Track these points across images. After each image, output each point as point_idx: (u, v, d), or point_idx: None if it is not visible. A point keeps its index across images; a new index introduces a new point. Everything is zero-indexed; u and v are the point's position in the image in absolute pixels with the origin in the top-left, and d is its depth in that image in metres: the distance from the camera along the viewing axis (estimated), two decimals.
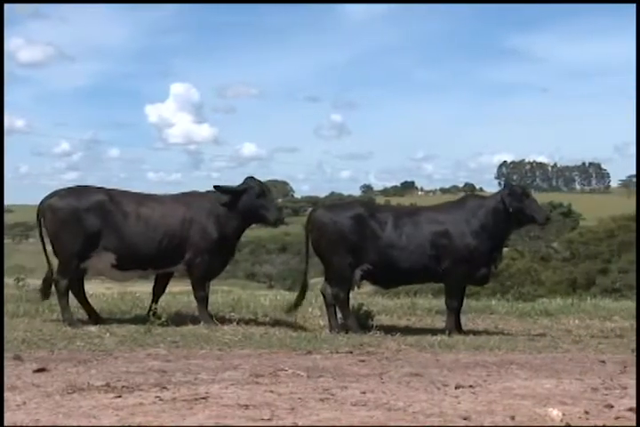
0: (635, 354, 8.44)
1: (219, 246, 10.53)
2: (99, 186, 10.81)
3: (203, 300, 10.66)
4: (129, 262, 10.52)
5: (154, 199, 10.87)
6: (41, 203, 10.65)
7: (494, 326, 11.41)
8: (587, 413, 5.18)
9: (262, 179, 10.83)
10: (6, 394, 5.76)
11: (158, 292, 10.94)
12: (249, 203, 10.42)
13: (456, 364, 7.83)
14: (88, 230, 10.29)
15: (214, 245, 10.50)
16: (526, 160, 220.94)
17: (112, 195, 10.55)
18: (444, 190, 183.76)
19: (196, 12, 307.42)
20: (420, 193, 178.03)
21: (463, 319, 11.83)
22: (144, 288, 13.55)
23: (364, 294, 19.60)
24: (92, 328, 9.98)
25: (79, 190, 10.65)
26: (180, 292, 14.09)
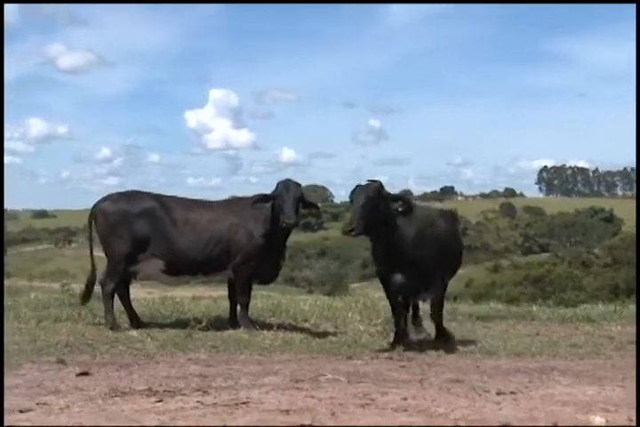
0: None
1: (265, 251, 10.55)
2: (149, 191, 10.91)
3: (245, 305, 10.69)
4: (178, 268, 10.60)
5: (202, 205, 10.94)
6: (93, 207, 10.76)
7: (535, 332, 11.30)
8: (630, 419, 5.13)
9: (301, 183, 10.74)
10: (50, 397, 5.81)
11: (234, 298, 10.99)
12: (275, 206, 10.40)
13: (497, 370, 7.78)
14: (137, 235, 10.39)
15: (260, 249, 10.52)
16: (567, 165, 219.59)
17: (162, 201, 10.64)
18: (483, 195, 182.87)
19: (233, 18, 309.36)
20: (459, 198, 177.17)
21: (504, 325, 11.76)
22: (184, 293, 13.62)
23: None
24: (134, 333, 10.03)
25: (131, 195, 10.76)
26: (220, 296, 14.11)
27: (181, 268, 10.63)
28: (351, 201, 8.99)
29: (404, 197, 9.50)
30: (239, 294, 10.71)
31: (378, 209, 8.88)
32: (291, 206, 10.24)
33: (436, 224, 9.77)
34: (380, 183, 9.13)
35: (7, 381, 6.79)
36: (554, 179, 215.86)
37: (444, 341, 9.75)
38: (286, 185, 10.42)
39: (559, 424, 4.95)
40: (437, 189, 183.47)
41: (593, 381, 6.94)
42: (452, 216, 10.71)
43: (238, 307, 10.76)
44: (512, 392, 6.17)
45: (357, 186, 9.05)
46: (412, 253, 9.15)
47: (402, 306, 9.72)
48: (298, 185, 10.59)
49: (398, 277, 9.23)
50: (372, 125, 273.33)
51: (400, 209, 9.06)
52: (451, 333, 10.05)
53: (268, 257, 10.67)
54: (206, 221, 10.59)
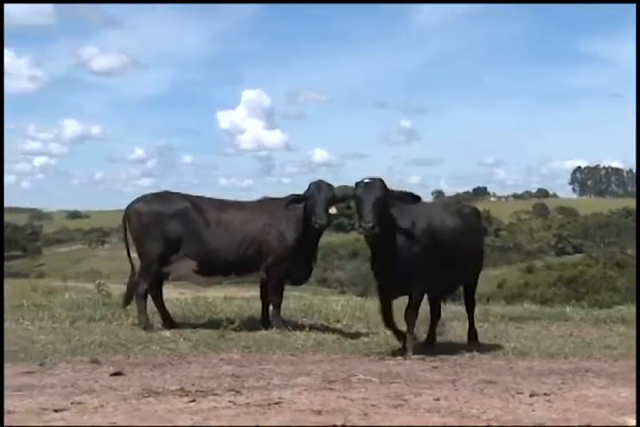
0: None
1: (297, 252, 10.56)
2: (183, 193, 10.96)
3: (277, 305, 10.71)
4: (210, 268, 10.64)
5: (234, 206, 10.97)
6: (127, 207, 10.84)
7: (569, 333, 11.24)
8: None
9: (333, 184, 10.72)
10: (84, 397, 5.85)
11: (267, 299, 11.01)
12: (307, 207, 10.40)
13: (530, 371, 7.74)
14: (170, 236, 10.45)
15: (292, 250, 10.54)
16: (601, 165, 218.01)
17: (195, 202, 10.69)
18: (516, 196, 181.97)
19: (266, 20, 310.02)
20: (492, 199, 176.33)
21: (537, 326, 11.70)
22: (217, 293, 13.65)
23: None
24: (167, 333, 10.07)
25: (164, 197, 10.83)
26: (252, 297, 14.14)
27: (214, 268, 10.67)
28: (359, 198, 8.78)
29: (407, 195, 9.14)
30: (271, 295, 10.73)
31: (387, 206, 8.78)
32: (322, 207, 10.22)
33: (439, 222, 9.44)
34: (382, 180, 9.00)
35: (42, 380, 6.86)
36: (587, 179, 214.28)
37: (402, 346, 9.19)
38: (318, 186, 10.42)
39: (593, 426, 4.92)
40: (470, 189, 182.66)
41: (627, 382, 6.87)
42: (467, 214, 10.32)
43: (270, 307, 10.78)
44: (545, 394, 6.13)
45: (362, 183, 8.89)
46: (406, 251, 8.91)
47: (390, 306, 9.34)
48: (330, 186, 10.55)
49: (392, 276, 9.04)
50: (404, 126, 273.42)
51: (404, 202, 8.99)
52: (414, 339, 9.31)
53: (300, 258, 10.67)
54: (239, 222, 10.62)
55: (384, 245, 8.91)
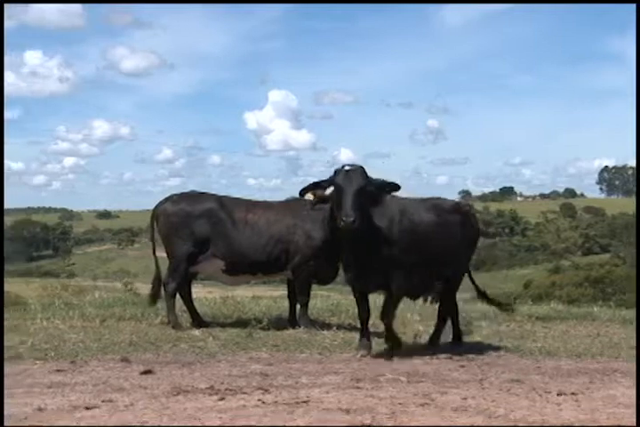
0: None
1: (323, 251, 10.55)
2: (210, 192, 11.00)
3: (305, 304, 10.72)
4: (238, 268, 10.66)
5: (261, 206, 10.98)
6: (155, 207, 10.90)
7: (596, 333, 11.17)
8: None
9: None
10: (115, 395, 5.89)
11: (294, 298, 11.03)
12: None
13: (557, 371, 7.71)
14: (197, 236, 10.49)
15: (318, 250, 10.54)
16: (628, 165, 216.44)
17: (222, 201, 10.72)
18: (543, 196, 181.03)
19: (292, 20, 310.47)
20: (519, 199, 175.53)
21: (564, 326, 11.65)
22: (245, 293, 13.69)
23: (463, 300, 19.45)
24: (196, 332, 10.11)
25: (192, 196, 10.88)
26: (280, 296, 14.16)
27: (241, 268, 10.69)
28: (339, 187, 8.16)
29: (387, 184, 8.50)
30: (299, 294, 10.75)
31: (368, 197, 8.19)
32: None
33: (417, 216, 8.90)
34: (363, 168, 8.40)
35: (73, 378, 6.91)
36: (615, 179, 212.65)
37: (388, 346, 8.91)
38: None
39: (621, 426, 4.89)
40: (497, 189, 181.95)
41: None
42: (446, 209, 9.52)
43: (298, 306, 10.80)
44: (573, 393, 6.11)
45: (343, 170, 8.28)
46: (383, 245, 8.42)
47: (366, 304, 8.91)
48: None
49: (364, 272, 8.59)
50: (431, 126, 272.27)
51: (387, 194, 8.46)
52: (398, 338, 9.07)
53: (327, 257, 10.67)
54: (265, 222, 10.63)
55: (361, 238, 8.29)
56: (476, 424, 4.90)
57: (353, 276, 8.73)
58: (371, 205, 8.33)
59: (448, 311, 9.82)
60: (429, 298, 10.05)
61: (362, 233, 8.17)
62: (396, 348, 8.83)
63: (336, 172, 8.31)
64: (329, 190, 8.61)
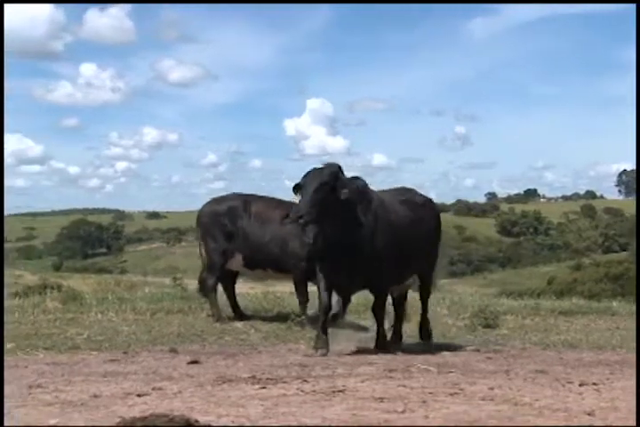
0: None
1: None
2: (249, 193, 11.03)
3: (303, 303, 10.61)
4: (252, 262, 10.66)
5: (284, 204, 10.92)
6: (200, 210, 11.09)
7: (616, 327, 11.08)
8: None
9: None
10: (164, 383, 5.91)
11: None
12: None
13: (579, 362, 7.65)
14: (224, 233, 10.56)
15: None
16: None
17: (246, 200, 10.73)
18: (565, 198, 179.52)
19: (329, 33, 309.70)
20: (542, 200, 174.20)
21: (585, 319, 11.56)
22: (284, 288, 13.68)
23: (490, 295, 19.37)
24: (239, 324, 10.14)
25: (221, 197, 11.03)
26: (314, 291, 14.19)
27: (255, 263, 10.65)
28: (302, 185, 7.66)
29: (353, 183, 7.88)
30: (297, 294, 10.64)
31: (332, 196, 7.54)
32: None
33: (393, 212, 8.28)
34: (339, 166, 7.85)
35: (126, 367, 6.95)
36: (633, 182, 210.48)
37: (385, 344, 8.47)
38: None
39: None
40: (521, 191, 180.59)
41: None
42: (420, 204, 8.94)
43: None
44: (594, 383, 6.05)
45: (312, 169, 7.76)
46: (355, 243, 7.79)
47: (329, 303, 8.18)
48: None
49: (337, 270, 7.99)
50: (458, 132, 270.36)
51: (343, 196, 7.63)
52: (384, 337, 8.58)
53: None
54: (278, 219, 10.53)
55: (330, 236, 7.76)
56: (502, 412, 4.86)
57: (333, 276, 8.07)
58: (345, 202, 7.64)
59: (425, 304, 9.38)
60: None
61: (334, 231, 7.72)
62: (381, 346, 8.43)
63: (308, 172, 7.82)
64: None
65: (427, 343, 9.08)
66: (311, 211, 7.41)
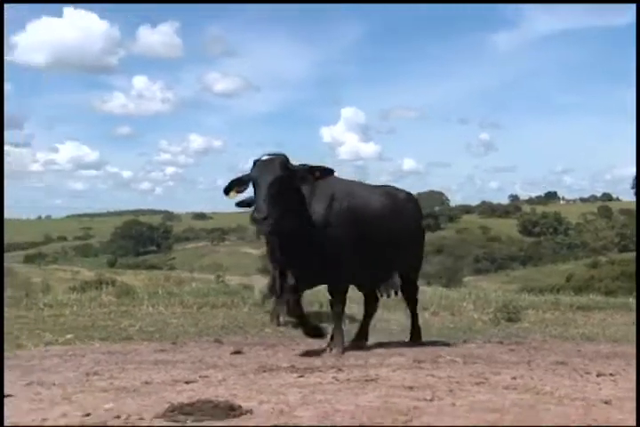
0: None
1: None
2: None
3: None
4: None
5: None
6: None
7: (632, 321, 10.95)
8: None
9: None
10: (209, 371, 5.94)
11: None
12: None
13: (597, 354, 7.57)
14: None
15: None
16: None
17: None
18: (583, 200, 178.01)
19: (363, 47, 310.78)
20: (561, 202, 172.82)
21: (603, 314, 11.45)
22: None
23: (512, 291, 19.24)
24: (281, 319, 10.13)
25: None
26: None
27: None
28: (254, 181, 6.53)
29: (318, 168, 6.74)
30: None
31: (287, 188, 6.52)
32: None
33: (360, 203, 7.22)
34: (286, 156, 6.69)
35: (174, 356, 6.99)
36: None
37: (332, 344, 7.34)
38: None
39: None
40: (542, 193, 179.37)
41: None
42: (401, 198, 7.92)
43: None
44: (611, 374, 5.99)
45: (260, 161, 6.59)
46: (313, 237, 6.79)
47: (296, 301, 7.15)
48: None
49: (295, 267, 6.98)
50: (482, 139, 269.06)
51: (304, 185, 6.69)
52: (341, 334, 7.39)
53: None
54: None
55: (288, 231, 6.63)
56: (524, 401, 4.83)
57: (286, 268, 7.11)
58: (299, 194, 6.72)
59: (414, 306, 8.49)
60: (388, 291, 9.37)
61: (293, 227, 6.60)
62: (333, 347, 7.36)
63: (254, 163, 6.64)
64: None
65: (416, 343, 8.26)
66: (274, 210, 6.30)
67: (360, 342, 7.89)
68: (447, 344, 8.25)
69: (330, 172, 6.76)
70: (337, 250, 6.91)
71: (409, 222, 7.86)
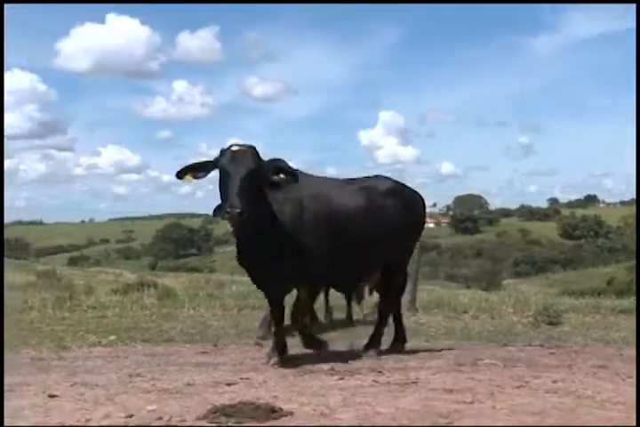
0: None
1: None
2: None
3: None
4: None
5: None
6: None
7: None
8: None
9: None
10: (250, 374, 5.97)
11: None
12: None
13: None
14: None
15: None
16: None
17: None
18: (623, 203, 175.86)
19: (400, 50, 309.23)
20: (601, 205, 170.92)
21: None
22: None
23: (552, 295, 19.07)
24: (322, 320, 10.13)
25: None
26: None
27: None
28: (224, 171, 6.05)
29: (285, 168, 6.32)
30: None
31: (260, 182, 6.10)
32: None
33: (329, 199, 6.76)
34: (255, 148, 6.22)
35: (216, 358, 7.03)
36: None
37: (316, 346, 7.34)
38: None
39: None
40: (582, 197, 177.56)
41: None
42: (384, 192, 7.23)
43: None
44: None
45: (229, 150, 6.12)
46: (279, 236, 6.35)
47: (280, 303, 6.90)
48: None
49: (264, 267, 6.60)
50: (522, 142, 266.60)
51: (281, 181, 6.20)
52: (281, 340, 6.89)
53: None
54: None
55: (254, 229, 6.24)
56: (566, 404, 4.79)
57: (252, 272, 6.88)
58: (266, 190, 6.26)
59: (388, 307, 7.66)
60: (367, 290, 8.88)
61: (255, 223, 6.10)
62: (308, 346, 7.39)
63: (222, 152, 6.18)
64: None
65: (399, 346, 7.68)
66: (248, 204, 5.83)
67: (398, 344, 7.69)
68: (487, 347, 8.20)
69: (294, 180, 6.27)
70: (305, 251, 6.47)
71: (389, 218, 7.14)
